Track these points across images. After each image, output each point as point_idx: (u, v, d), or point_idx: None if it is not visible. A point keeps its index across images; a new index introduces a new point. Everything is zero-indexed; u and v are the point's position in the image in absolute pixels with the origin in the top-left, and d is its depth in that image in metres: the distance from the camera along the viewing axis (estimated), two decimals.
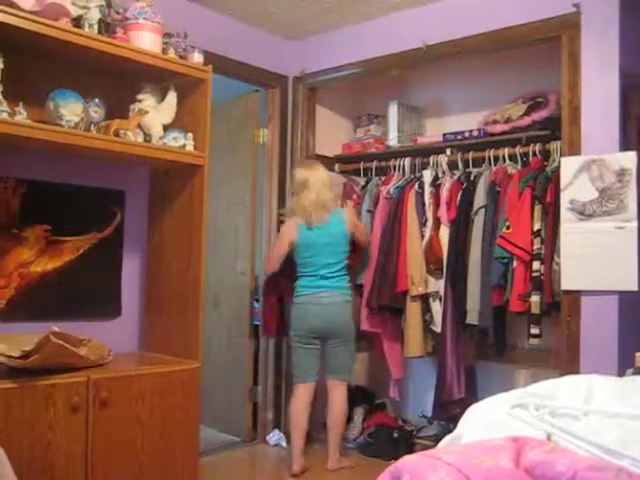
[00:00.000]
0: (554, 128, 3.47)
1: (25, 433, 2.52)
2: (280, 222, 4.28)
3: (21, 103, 2.68)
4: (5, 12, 2.56)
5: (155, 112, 3.18)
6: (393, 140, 4.36)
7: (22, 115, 2.67)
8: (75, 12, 2.83)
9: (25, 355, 2.57)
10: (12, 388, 2.50)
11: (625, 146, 3.17)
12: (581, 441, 1.26)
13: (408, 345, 3.89)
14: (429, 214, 3.91)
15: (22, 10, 2.62)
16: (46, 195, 3.18)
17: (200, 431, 3.24)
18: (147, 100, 3.19)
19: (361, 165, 4.42)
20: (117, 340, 3.32)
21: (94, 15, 2.90)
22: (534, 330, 3.37)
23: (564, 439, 1.29)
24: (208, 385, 3.82)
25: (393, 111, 4.38)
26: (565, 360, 3.22)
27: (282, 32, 4.40)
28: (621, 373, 2.75)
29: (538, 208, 3.41)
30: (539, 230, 3.38)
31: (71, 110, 2.84)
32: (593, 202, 3.13)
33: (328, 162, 4.54)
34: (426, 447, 3.72)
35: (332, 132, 4.68)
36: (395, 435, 4.08)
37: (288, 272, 3.93)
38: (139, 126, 3.11)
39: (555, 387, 1.58)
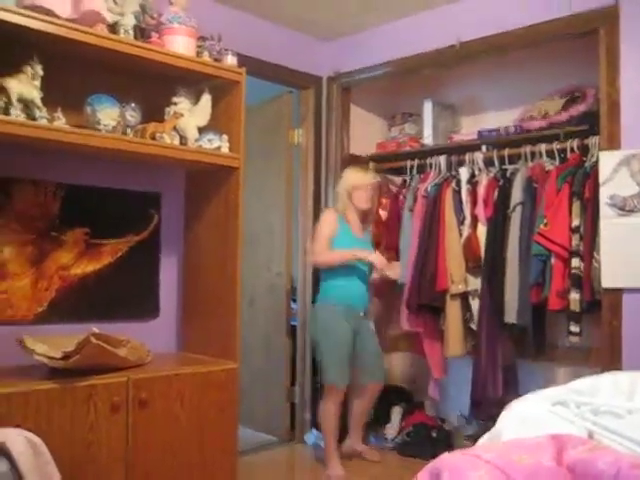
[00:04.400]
0: (592, 123, 3.41)
1: (67, 433, 2.56)
2: None
3: (59, 109, 2.73)
4: (44, 20, 2.61)
5: (190, 115, 3.20)
6: (428, 138, 4.33)
7: (61, 120, 2.72)
8: (111, 19, 2.88)
9: (66, 356, 2.61)
10: (54, 389, 2.54)
11: None
12: (624, 439, 1.23)
13: (448, 345, 3.87)
14: (467, 212, 3.89)
15: (60, 18, 2.67)
16: (84, 199, 3.23)
17: (238, 431, 3.26)
18: (182, 103, 3.21)
19: (396, 164, 4.41)
20: (155, 341, 3.36)
21: (129, 21, 2.94)
22: (574, 328, 3.32)
23: (606, 437, 1.26)
24: (246, 385, 3.84)
25: (427, 109, 4.35)
26: (606, 359, 3.16)
27: (315, 33, 4.41)
28: None
29: (577, 204, 3.35)
30: (578, 226, 3.33)
31: (108, 114, 2.88)
32: (634, 197, 3.07)
33: (362, 161, 4.55)
34: (465, 446, 3.69)
35: (366, 131, 4.67)
36: (433, 434, 4.06)
37: None
38: (175, 129, 3.14)
39: (597, 384, 1.55)
